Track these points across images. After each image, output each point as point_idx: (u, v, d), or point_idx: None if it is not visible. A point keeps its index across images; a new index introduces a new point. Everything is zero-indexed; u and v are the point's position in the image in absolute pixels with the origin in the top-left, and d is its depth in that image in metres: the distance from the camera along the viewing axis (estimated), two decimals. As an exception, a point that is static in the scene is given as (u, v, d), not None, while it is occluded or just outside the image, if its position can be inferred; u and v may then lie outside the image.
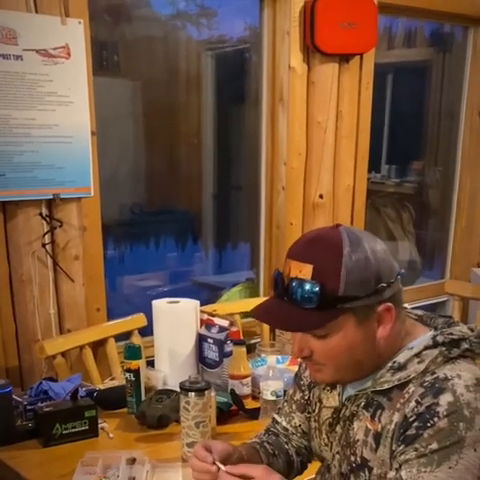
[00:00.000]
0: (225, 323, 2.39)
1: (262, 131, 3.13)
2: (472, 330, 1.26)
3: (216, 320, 2.41)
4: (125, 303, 3.30)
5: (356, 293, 1.19)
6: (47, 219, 2.45)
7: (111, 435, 2.04)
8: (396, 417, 1.22)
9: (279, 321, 1.28)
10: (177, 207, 3.95)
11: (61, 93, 2.39)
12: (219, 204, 3.86)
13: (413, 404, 1.18)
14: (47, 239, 2.46)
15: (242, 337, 2.50)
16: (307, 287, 1.18)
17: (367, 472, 1.27)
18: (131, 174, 3.44)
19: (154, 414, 2.08)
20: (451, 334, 1.24)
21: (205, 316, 2.46)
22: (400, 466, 1.17)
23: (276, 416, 1.60)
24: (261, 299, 3.09)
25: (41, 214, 2.43)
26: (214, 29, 3.59)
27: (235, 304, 3.00)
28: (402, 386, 1.23)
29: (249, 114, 3.37)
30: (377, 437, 1.25)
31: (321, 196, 3.16)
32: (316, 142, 3.13)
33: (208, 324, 2.42)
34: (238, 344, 2.31)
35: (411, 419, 1.18)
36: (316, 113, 3.10)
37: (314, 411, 1.46)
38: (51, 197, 2.43)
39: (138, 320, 2.62)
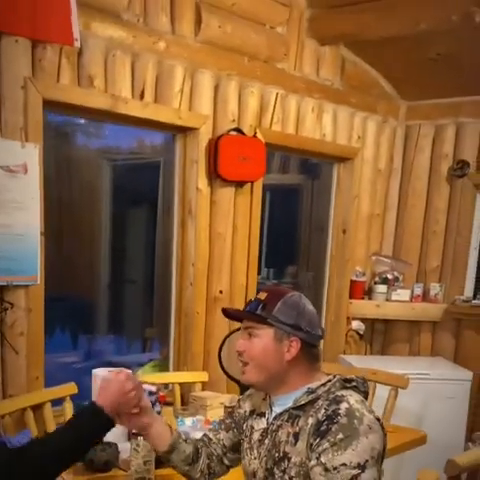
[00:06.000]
0: (153, 388, 2.67)
1: (174, 238, 3.51)
2: (358, 377, 1.75)
3: (145, 386, 2.68)
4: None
5: (282, 318, 1.70)
6: (0, 302, 2.72)
7: (65, 478, 2.27)
8: (310, 420, 1.65)
9: (238, 312, 1.88)
10: (82, 297, 4.25)
11: (18, 200, 2.71)
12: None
13: (323, 411, 1.63)
14: (-1, 318, 2.72)
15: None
16: (257, 302, 1.74)
17: (286, 461, 1.67)
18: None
19: (100, 460, 2.35)
20: (344, 376, 1.73)
21: None
22: (319, 455, 1.57)
23: (206, 432, 2.00)
24: (172, 373, 3.45)
25: (-4, 297, 2.71)
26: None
27: (155, 376, 3.26)
28: (312, 402, 1.68)
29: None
30: (295, 435, 1.67)
31: (221, 291, 3.55)
32: (217, 248, 3.54)
33: None
34: (166, 405, 2.61)
35: (322, 419, 1.61)
36: (217, 225, 3.52)
37: (247, 436, 1.84)
38: (5, 284, 2.72)
39: (70, 388, 2.87)
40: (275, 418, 1.75)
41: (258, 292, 1.81)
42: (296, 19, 3.82)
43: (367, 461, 1.54)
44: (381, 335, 4.70)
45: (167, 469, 2.29)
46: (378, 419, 1.63)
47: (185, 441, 1.87)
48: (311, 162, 4.64)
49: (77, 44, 2.82)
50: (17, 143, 2.71)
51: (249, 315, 1.75)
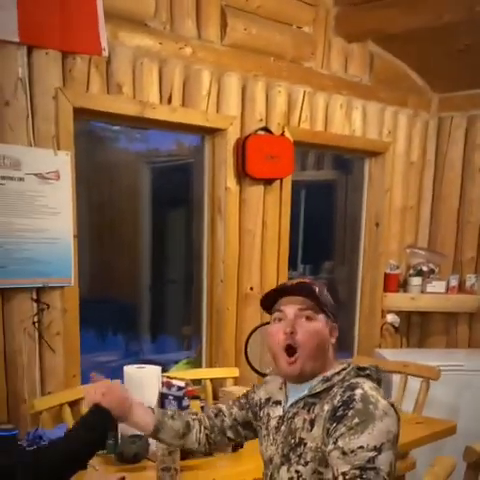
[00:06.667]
0: (182, 383, 2.75)
1: (204, 236, 3.59)
2: (371, 365, 1.80)
3: (174, 381, 2.78)
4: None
5: (329, 305, 1.78)
6: (37, 303, 2.85)
7: (97, 467, 2.39)
8: (326, 407, 1.69)
9: (308, 289, 1.78)
10: (123, 298, 4.37)
11: (51, 206, 2.84)
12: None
13: (338, 397, 1.67)
14: (36, 318, 2.84)
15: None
16: (310, 286, 1.78)
17: (302, 447, 1.72)
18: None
19: (130, 452, 2.46)
20: (358, 365, 1.78)
21: (165, 379, 2.83)
22: (336, 439, 1.61)
23: (219, 404, 2.07)
24: (204, 369, 3.54)
25: (32, 298, 2.83)
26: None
27: (186, 373, 3.33)
28: (328, 389, 1.73)
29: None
30: (311, 422, 1.72)
31: (251, 288, 3.62)
32: (247, 245, 3.60)
33: (168, 385, 2.79)
34: (194, 398, 2.70)
35: (338, 405, 1.65)
36: (247, 223, 3.58)
37: (264, 424, 1.91)
38: (41, 285, 2.85)
39: (106, 384, 2.99)
40: (291, 406, 1.80)
41: (289, 279, 1.86)
42: (322, 18, 3.85)
43: (383, 444, 1.58)
44: (418, 328, 4.69)
45: (193, 460, 2.40)
46: (392, 405, 1.68)
47: (172, 417, 1.92)
48: (345, 158, 4.64)
49: (105, 53, 2.92)
50: (49, 151, 2.83)
51: (315, 297, 1.76)
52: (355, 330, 4.51)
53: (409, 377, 3.53)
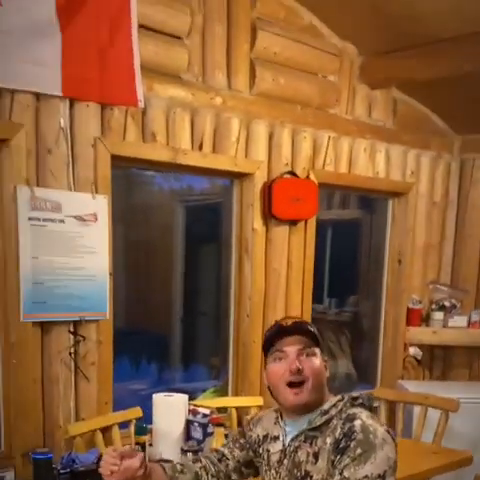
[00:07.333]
0: (207, 411, 2.88)
1: (232, 274, 3.71)
2: (363, 394, 1.90)
3: (200, 409, 2.91)
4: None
5: (321, 341, 1.86)
6: (74, 335, 3.00)
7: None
8: (329, 439, 1.77)
9: (304, 329, 1.86)
10: (156, 329, 4.49)
11: (89, 245, 3.00)
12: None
13: (339, 429, 1.75)
14: (72, 349, 2.98)
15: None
16: (305, 323, 1.90)
17: (309, 479, 1.80)
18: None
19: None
20: (351, 395, 1.86)
21: (191, 407, 2.95)
22: (342, 470, 1.70)
23: (220, 448, 2.11)
24: (230, 398, 3.63)
25: (70, 331, 2.98)
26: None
27: (212, 401, 3.46)
28: (327, 422, 1.80)
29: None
30: (315, 455, 1.78)
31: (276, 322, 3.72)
32: (272, 283, 3.71)
33: (194, 412, 2.91)
34: (219, 426, 2.81)
35: (340, 437, 1.73)
36: (272, 262, 3.69)
37: (265, 459, 1.97)
38: (78, 319, 3.00)
39: (136, 412, 3.10)
40: (292, 440, 1.85)
41: (284, 318, 1.94)
42: (347, 67, 3.98)
43: (386, 471, 1.68)
44: (440, 361, 4.74)
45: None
46: (388, 431, 1.76)
47: (182, 472, 1.92)
48: (369, 198, 4.73)
49: (141, 105, 3.09)
50: (88, 195, 2.99)
51: (312, 335, 1.84)
52: (378, 362, 4.57)
53: (430, 408, 3.58)
